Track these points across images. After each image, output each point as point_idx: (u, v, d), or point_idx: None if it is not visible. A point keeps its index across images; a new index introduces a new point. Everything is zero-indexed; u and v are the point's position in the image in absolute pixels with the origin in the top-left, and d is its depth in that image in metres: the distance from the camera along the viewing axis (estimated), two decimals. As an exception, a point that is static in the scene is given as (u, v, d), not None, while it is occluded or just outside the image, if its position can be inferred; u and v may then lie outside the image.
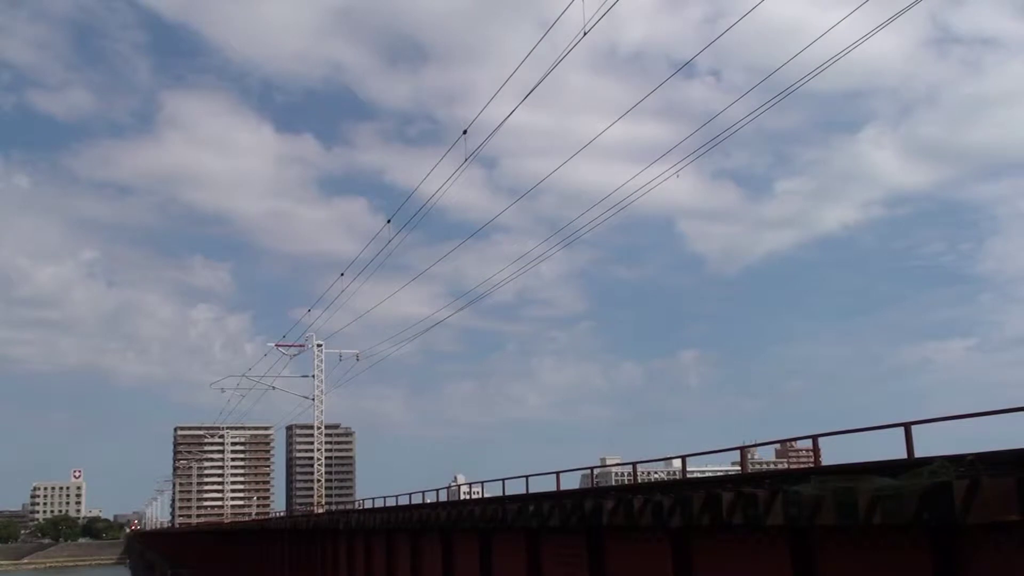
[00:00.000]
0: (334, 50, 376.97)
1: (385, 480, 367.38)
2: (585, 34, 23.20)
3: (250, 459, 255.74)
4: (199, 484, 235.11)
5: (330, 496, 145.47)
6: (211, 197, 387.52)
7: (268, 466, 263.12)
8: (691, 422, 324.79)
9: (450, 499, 36.91)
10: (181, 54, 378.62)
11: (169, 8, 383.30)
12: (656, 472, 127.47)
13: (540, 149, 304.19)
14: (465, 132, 31.30)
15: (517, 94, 27.39)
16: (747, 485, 8.76)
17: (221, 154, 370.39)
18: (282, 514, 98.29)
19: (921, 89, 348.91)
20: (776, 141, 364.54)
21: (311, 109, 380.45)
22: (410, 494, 37.88)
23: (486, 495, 35.38)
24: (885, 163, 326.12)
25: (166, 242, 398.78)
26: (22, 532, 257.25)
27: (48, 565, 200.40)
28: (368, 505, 45.30)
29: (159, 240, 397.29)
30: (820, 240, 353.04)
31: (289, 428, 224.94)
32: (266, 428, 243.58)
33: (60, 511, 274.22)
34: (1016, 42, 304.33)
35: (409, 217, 51.32)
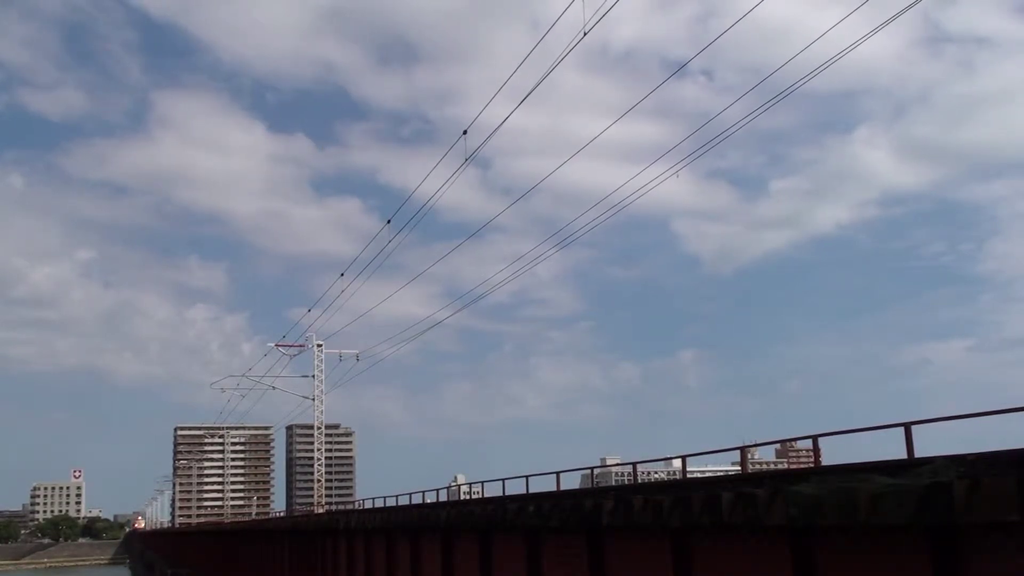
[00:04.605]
0: (325, 50, 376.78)
1: (385, 480, 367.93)
2: (585, 34, 23.23)
3: (250, 459, 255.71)
4: (199, 484, 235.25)
5: (330, 496, 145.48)
6: (205, 197, 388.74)
7: (268, 466, 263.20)
8: (690, 422, 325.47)
9: (450, 499, 36.92)
10: (172, 54, 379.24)
11: (159, 8, 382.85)
12: (656, 472, 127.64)
13: (533, 149, 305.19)
14: (465, 132, 31.40)
15: (511, 94, 27.41)
16: (747, 485, 8.75)
17: (214, 154, 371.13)
18: (282, 514, 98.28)
19: (914, 89, 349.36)
20: (770, 141, 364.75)
21: (303, 109, 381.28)
22: (410, 494, 37.94)
23: (486, 495, 35.39)
24: (879, 163, 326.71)
25: (162, 242, 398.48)
26: (22, 532, 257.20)
27: (48, 565, 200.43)
28: (368, 505, 45.34)
29: (155, 240, 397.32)
30: (816, 240, 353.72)
31: (289, 428, 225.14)
32: (266, 428, 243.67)
33: (60, 511, 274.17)
34: (1009, 41, 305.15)
35: (408, 218, 51.37)
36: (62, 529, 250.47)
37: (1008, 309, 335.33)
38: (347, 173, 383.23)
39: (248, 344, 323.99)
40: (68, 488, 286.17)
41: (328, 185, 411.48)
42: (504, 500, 18.66)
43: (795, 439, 21.86)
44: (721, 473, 30.25)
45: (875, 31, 18.71)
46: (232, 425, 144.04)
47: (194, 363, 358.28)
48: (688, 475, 24.67)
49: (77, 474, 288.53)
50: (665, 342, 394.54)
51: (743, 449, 22.42)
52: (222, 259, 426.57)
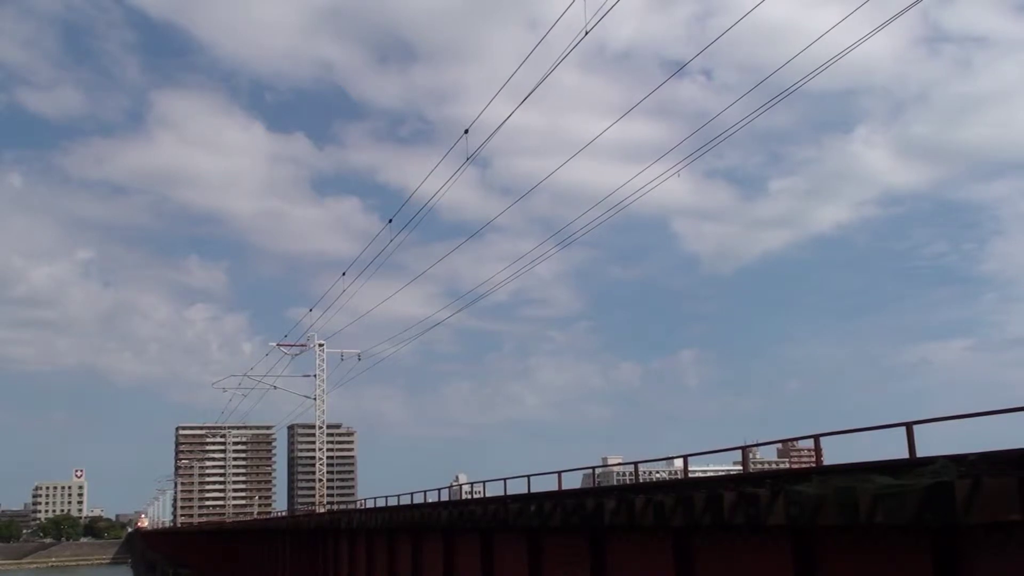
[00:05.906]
0: (324, 49, 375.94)
1: (386, 480, 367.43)
2: (587, 34, 23.22)
3: (252, 459, 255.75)
4: (201, 484, 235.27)
5: (331, 496, 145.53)
6: (204, 197, 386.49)
7: (270, 466, 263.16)
8: (690, 422, 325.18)
9: (452, 499, 36.91)
10: (170, 53, 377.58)
11: (157, 7, 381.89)
12: (658, 472, 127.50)
13: (531, 148, 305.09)
14: (467, 132, 31.37)
15: (510, 94, 27.35)
16: (749, 485, 8.76)
17: (213, 153, 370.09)
18: (283, 514, 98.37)
19: (913, 88, 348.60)
20: (768, 140, 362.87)
21: (302, 108, 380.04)
22: (411, 494, 37.90)
23: (488, 495, 35.38)
24: (878, 162, 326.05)
25: (161, 242, 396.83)
26: (24, 532, 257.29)
27: (50, 564, 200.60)
28: (369, 505, 45.33)
29: (154, 240, 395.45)
30: (815, 240, 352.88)
31: (291, 428, 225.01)
32: (268, 428, 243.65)
33: (62, 511, 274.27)
34: (1007, 41, 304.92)
35: (408, 219, 51.32)
36: (64, 529, 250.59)
37: (1010, 309, 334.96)
38: (346, 172, 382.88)
39: (248, 344, 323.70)
40: (70, 488, 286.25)
41: (327, 184, 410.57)
42: (506, 500, 18.66)
43: (797, 439, 21.86)
44: (723, 473, 30.24)
45: (875, 31, 18.69)
46: (234, 425, 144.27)
47: (194, 363, 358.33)
48: (690, 475, 24.65)
49: (79, 474, 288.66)
50: (665, 342, 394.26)
51: (745, 449, 22.39)
52: (222, 259, 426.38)
